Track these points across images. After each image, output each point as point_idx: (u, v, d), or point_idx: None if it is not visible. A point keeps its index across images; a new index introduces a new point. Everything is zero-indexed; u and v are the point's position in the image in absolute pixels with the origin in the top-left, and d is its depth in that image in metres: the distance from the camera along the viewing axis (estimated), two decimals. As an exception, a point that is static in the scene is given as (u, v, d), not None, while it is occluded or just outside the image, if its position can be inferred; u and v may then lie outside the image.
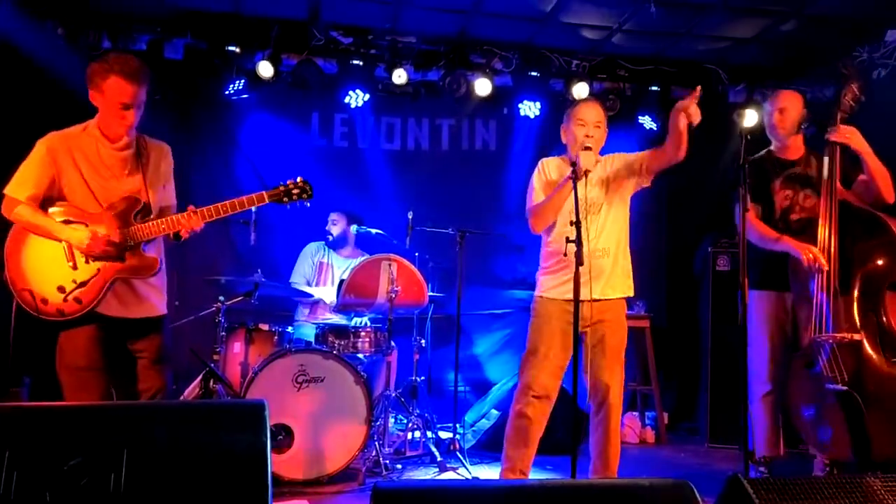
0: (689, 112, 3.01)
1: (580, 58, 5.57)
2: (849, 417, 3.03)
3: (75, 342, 2.76)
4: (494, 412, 4.86)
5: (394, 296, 4.00)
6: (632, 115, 5.83)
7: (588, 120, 3.20)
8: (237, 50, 5.24)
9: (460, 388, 4.70)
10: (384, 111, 6.01)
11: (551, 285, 3.25)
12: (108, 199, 2.81)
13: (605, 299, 3.18)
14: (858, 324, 3.08)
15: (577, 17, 4.97)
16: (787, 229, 3.40)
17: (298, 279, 5.02)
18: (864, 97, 3.27)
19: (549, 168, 3.30)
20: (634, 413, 5.45)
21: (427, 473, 4.03)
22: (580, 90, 5.47)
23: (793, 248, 3.25)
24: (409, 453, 4.43)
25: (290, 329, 4.29)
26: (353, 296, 4.13)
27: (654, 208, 6.07)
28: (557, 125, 3.37)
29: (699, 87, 3.04)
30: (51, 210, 2.77)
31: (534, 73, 5.61)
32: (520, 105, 5.83)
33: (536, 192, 3.28)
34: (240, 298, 4.25)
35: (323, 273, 5.03)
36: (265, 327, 4.24)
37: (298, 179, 3.04)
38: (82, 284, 2.74)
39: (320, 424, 3.65)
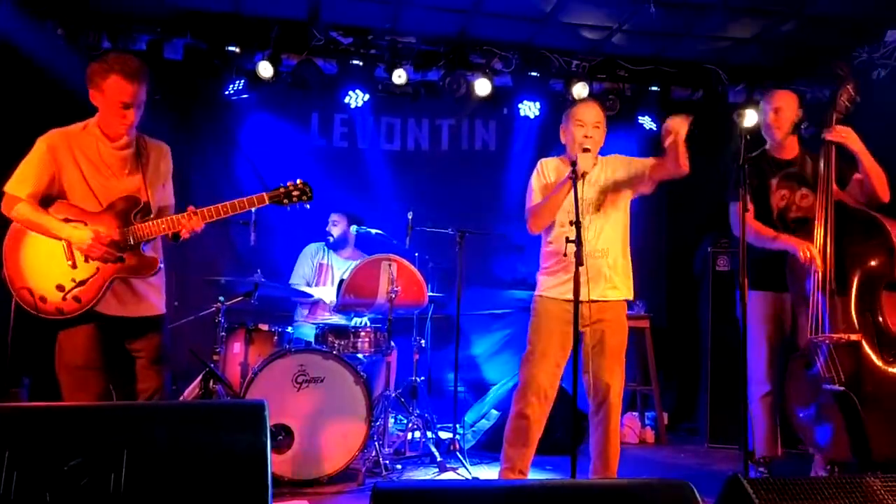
0: (670, 128, 3.01)
1: (580, 58, 5.58)
2: (846, 418, 3.03)
3: (74, 341, 2.76)
4: (494, 412, 4.86)
5: (394, 296, 4.00)
6: (631, 115, 5.83)
7: (587, 120, 3.20)
8: (237, 50, 5.25)
9: (459, 389, 4.69)
10: (384, 111, 6.01)
11: (551, 285, 3.25)
12: (107, 198, 2.81)
13: (604, 300, 3.18)
14: (856, 324, 3.09)
15: (576, 18, 4.98)
16: (785, 229, 3.40)
17: (298, 280, 5.02)
18: (859, 98, 3.28)
19: (548, 169, 3.31)
20: (634, 413, 5.45)
21: (427, 474, 4.03)
22: (580, 90, 5.47)
23: (791, 244, 3.25)
24: (408, 453, 4.43)
25: (289, 329, 4.30)
26: (352, 296, 4.13)
27: (654, 208, 6.07)
28: (557, 125, 3.37)
29: (690, 118, 3.04)
30: (50, 209, 2.77)
31: (534, 74, 5.61)
32: (520, 105, 5.83)
33: (535, 194, 3.28)
34: (240, 299, 4.25)
35: (323, 274, 5.03)
36: (265, 327, 4.24)
37: (298, 181, 3.05)
38: (81, 283, 2.74)
39: (320, 425, 3.65)
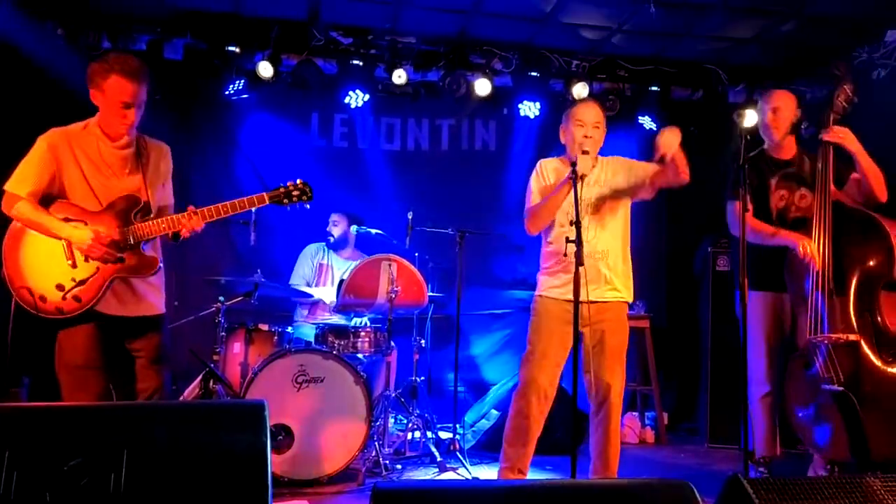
0: (661, 145, 3.04)
1: (580, 58, 5.58)
2: (845, 418, 3.03)
3: (74, 341, 2.76)
4: (494, 412, 4.86)
5: (394, 296, 4.00)
6: (631, 115, 5.83)
7: (587, 120, 3.20)
8: (237, 50, 5.25)
9: (459, 389, 4.69)
10: (384, 111, 6.01)
11: (551, 285, 3.25)
12: (107, 198, 2.81)
13: (604, 301, 3.18)
14: (854, 324, 3.09)
15: (576, 18, 4.97)
16: (784, 229, 3.40)
17: (298, 281, 5.02)
18: (856, 98, 3.29)
19: (547, 170, 3.30)
20: (634, 413, 5.45)
21: (427, 473, 4.03)
22: (580, 90, 5.47)
23: (790, 240, 3.26)
24: (408, 453, 4.43)
25: (289, 329, 4.29)
26: (352, 296, 4.13)
27: (654, 208, 6.05)
28: (557, 125, 3.37)
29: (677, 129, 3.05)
30: (50, 208, 2.77)
31: (533, 74, 5.61)
32: (519, 105, 5.83)
33: (533, 195, 3.28)
34: (240, 299, 4.25)
35: (323, 274, 5.03)
36: (265, 327, 4.24)
37: (298, 181, 3.05)
38: (81, 283, 2.74)
39: (320, 425, 3.65)
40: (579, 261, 2.76)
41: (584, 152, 3.06)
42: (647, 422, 5.42)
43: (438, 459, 4.07)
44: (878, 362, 3.03)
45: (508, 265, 5.98)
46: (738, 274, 3.09)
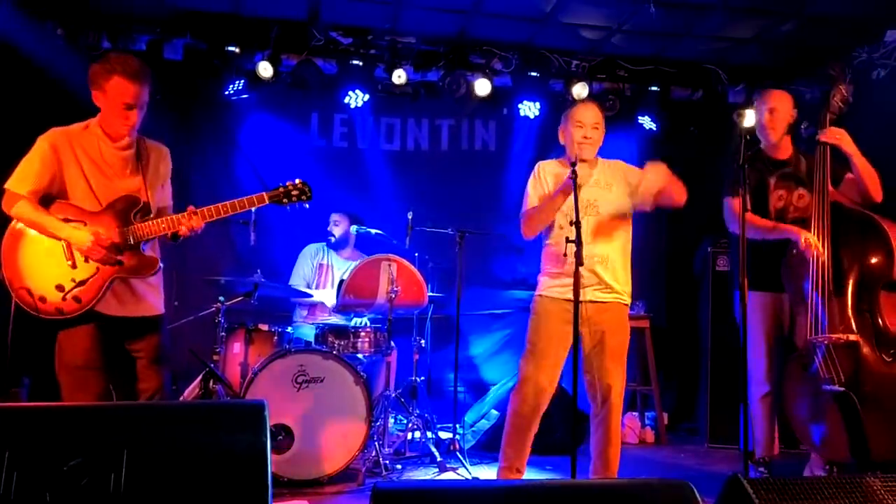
0: (649, 186, 3.09)
1: (580, 58, 5.58)
2: (846, 418, 3.03)
3: (74, 341, 2.75)
4: (494, 412, 4.86)
5: (393, 296, 4.00)
6: (631, 115, 5.84)
7: (586, 121, 3.20)
8: (237, 50, 5.25)
9: (459, 389, 4.69)
10: (384, 111, 6.01)
11: (551, 284, 3.25)
12: (107, 198, 2.81)
13: (603, 302, 3.18)
14: (853, 325, 3.09)
15: (576, 18, 4.97)
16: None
17: (298, 281, 5.02)
18: (851, 98, 3.30)
19: (546, 172, 3.30)
20: (634, 413, 5.45)
21: (427, 474, 4.03)
22: (580, 90, 5.47)
23: (791, 232, 3.26)
24: (408, 454, 4.43)
25: (289, 329, 4.29)
26: (352, 296, 4.13)
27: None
28: (557, 125, 3.37)
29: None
30: (50, 208, 2.76)
31: (533, 74, 5.61)
32: (519, 105, 5.83)
33: (530, 198, 3.29)
34: (239, 299, 4.25)
35: (323, 275, 5.03)
36: (265, 328, 4.24)
37: (297, 181, 3.05)
38: (81, 283, 2.73)
39: (320, 425, 3.65)
40: (579, 261, 2.76)
41: (583, 161, 3.06)
42: (647, 422, 5.42)
43: (438, 459, 4.07)
44: (878, 362, 3.03)
45: (508, 265, 5.98)
46: (737, 274, 3.09)
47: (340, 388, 3.71)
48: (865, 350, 3.05)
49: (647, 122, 5.90)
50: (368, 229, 4.76)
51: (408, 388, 4.59)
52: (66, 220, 2.74)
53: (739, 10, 4.78)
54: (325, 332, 4.08)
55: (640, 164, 3.29)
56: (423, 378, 4.74)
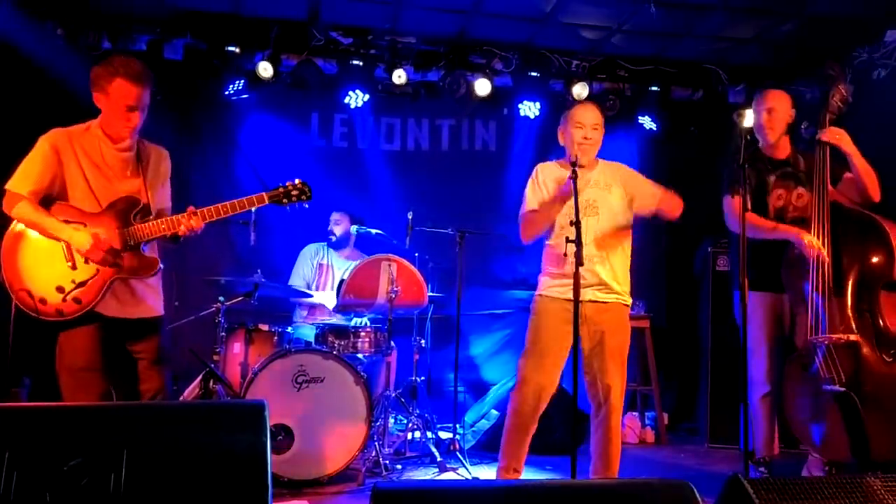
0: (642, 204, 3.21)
1: (580, 58, 5.58)
2: (846, 418, 3.03)
3: (74, 343, 2.75)
4: (494, 412, 4.86)
5: (393, 296, 4.00)
6: (631, 115, 5.84)
7: (586, 122, 3.20)
8: (237, 50, 5.25)
9: (459, 389, 4.69)
10: (384, 111, 6.01)
11: (551, 284, 3.25)
12: (107, 199, 2.81)
13: (603, 302, 3.19)
14: (854, 325, 3.09)
15: (576, 18, 4.97)
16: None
17: (298, 281, 5.02)
18: (851, 98, 3.30)
19: (545, 175, 3.29)
20: (634, 413, 5.45)
21: (427, 474, 4.03)
22: (580, 90, 5.48)
23: (791, 234, 3.26)
24: (408, 454, 4.43)
25: (289, 329, 4.29)
26: (353, 296, 4.13)
27: (653, 208, 6.07)
28: (557, 125, 3.36)
29: None
30: (50, 210, 2.76)
31: (533, 74, 5.61)
32: (519, 105, 5.83)
33: (528, 202, 3.28)
34: (240, 299, 4.25)
35: (323, 274, 5.03)
36: (265, 328, 4.24)
37: (297, 181, 3.05)
38: (81, 284, 2.73)
39: (320, 425, 3.65)
40: (579, 261, 2.76)
41: (580, 166, 3.07)
42: (647, 422, 5.42)
43: (438, 459, 4.07)
44: (878, 362, 3.03)
45: (508, 265, 5.98)
46: (737, 274, 3.09)
47: (340, 388, 3.71)
48: (866, 350, 3.05)
49: (647, 122, 5.90)
50: (368, 229, 4.76)
51: (408, 388, 4.59)
52: (66, 222, 2.74)
53: (739, 10, 4.78)
54: (325, 332, 4.08)
55: (641, 165, 3.29)
56: (423, 378, 4.74)
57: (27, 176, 2.74)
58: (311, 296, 4.78)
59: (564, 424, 4.29)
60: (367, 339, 4.09)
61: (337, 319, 4.53)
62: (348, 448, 3.67)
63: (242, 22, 5.10)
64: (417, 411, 4.48)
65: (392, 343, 4.22)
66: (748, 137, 3.16)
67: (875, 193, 3.29)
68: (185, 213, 2.84)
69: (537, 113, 5.83)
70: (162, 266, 2.92)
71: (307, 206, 3.08)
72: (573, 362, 2.86)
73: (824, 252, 3.14)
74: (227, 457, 1.61)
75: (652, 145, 6.04)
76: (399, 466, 4.08)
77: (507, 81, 5.63)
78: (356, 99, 5.59)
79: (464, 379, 5.62)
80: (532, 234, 3.25)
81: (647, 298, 5.44)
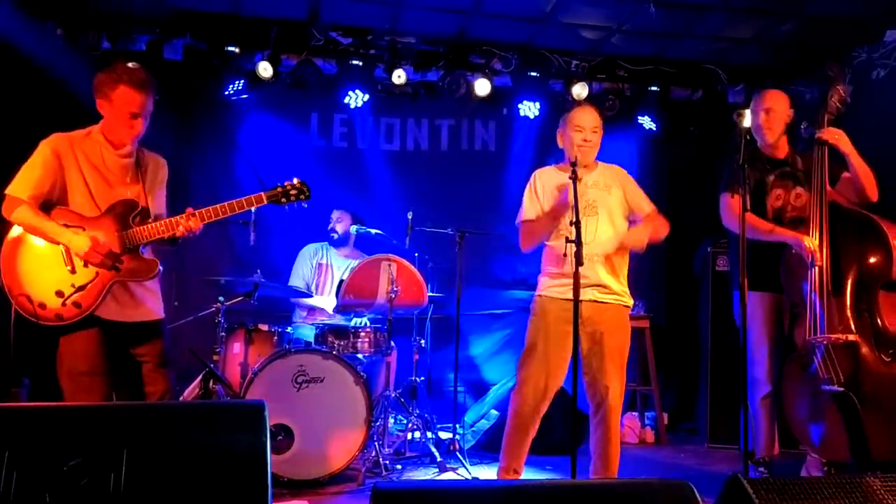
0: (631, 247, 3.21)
1: (580, 58, 5.58)
2: (845, 418, 3.03)
3: (75, 347, 2.75)
4: (494, 412, 4.86)
5: (393, 296, 4.00)
6: (631, 115, 5.83)
7: (585, 126, 3.20)
8: (237, 50, 5.25)
9: (459, 389, 4.69)
10: (383, 111, 6.01)
11: (551, 284, 3.25)
12: (107, 204, 2.82)
13: (602, 303, 3.19)
14: (852, 325, 3.09)
15: (576, 18, 4.97)
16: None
17: (297, 281, 5.01)
18: (849, 98, 3.30)
19: (543, 181, 3.29)
20: (634, 413, 5.45)
21: (427, 474, 4.03)
22: (580, 90, 5.48)
23: (788, 237, 3.26)
24: (408, 453, 4.43)
25: (289, 329, 4.29)
26: (352, 296, 4.13)
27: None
28: (557, 126, 3.37)
29: None
30: (49, 214, 2.76)
31: (533, 74, 5.61)
32: (519, 105, 5.83)
33: (526, 210, 3.29)
34: (239, 299, 4.25)
35: (322, 274, 5.02)
36: (265, 328, 4.24)
37: (296, 180, 3.06)
38: (81, 288, 2.73)
39: (320, 425, 3.65)
40: (579, 261, 2.76)
41: (581, 167, 3.07)
42: (647, 422, 5.42)
43: (438, 459, 4.07)
44: (877, 362, 3.03)
45: (508, 265, 5.98)
46: (737, 274, 3.09)
47: (340, 389, 3.71)
48: (864, 350, 3.05)
49: (646, 122, 5.90)
50: (368, 229, 4.76)
51: (408, 388, 4.59)
52: (66, 226, 2.74)
53: (739, 10, 4.78)
54: (324, 332, 4.08)
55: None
56: (423, 378, 4.74)
57: (28, 180, 2.74)
58: (310, 296, 4.78)
59: (564, 424, 4.29)
60: (367, 339, 4.09)
61: (337, 319, 4.53)
62: (348, 448, 3.67)
63: (242, 22, 5.10)
64: (417, 411, 4.48)
65: (392, 343, 4.22)
66: (748, 137, 3.16)
67: (873, 193, 3.29)
68: (183, 215, 2.84)
69: (537, 113, 5.83)
70: (161, 268, 2.92)
71: (306, 205, 3.08)
72: (573, 362, 2.86)
73: (819, 255, 3.14)
74: (226, 457, 1.61)
75: (651, 145, 6.04)
76: (399, 466, 4.08)
77: (507, 81, 5.63)
78: (356, 99, 5.58)
79: (463, 379, 5.62)
80: (532, 244, 3.27)
81: (646, 298, 5.45)
